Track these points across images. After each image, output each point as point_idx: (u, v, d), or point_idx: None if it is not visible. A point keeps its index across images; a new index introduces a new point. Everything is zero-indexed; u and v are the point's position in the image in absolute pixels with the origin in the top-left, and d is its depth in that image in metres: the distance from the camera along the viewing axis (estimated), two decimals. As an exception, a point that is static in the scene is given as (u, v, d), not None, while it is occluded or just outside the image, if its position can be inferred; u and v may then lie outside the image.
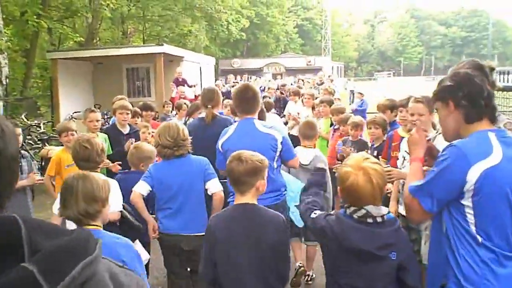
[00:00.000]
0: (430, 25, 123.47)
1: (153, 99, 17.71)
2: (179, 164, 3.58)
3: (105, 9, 19.65)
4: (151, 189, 4.35)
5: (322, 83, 19.74)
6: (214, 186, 4.35)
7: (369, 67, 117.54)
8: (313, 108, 9.76)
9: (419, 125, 3.55)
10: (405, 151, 4.66)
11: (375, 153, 6.06)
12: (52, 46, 20.38)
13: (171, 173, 3.54)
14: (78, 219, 2.90)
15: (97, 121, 6.47)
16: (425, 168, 3.03)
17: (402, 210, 4.68)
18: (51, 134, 13.05)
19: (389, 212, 2.86)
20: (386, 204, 4.61)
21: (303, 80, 20.40)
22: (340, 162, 7.39)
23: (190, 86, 17.14)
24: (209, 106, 5.55)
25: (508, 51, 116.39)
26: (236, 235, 3.10)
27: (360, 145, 6.92)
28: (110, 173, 6.25)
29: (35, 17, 16.13)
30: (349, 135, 7.23)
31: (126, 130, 6.76)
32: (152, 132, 8.28)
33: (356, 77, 51.63)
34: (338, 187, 2.92)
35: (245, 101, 4.73)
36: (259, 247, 3.08)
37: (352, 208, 2.81)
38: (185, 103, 9.83)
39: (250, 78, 27.04)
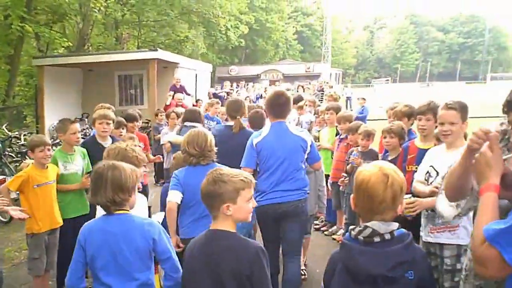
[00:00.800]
0: (429, 31, 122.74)
1: (146, 107, 16.97)
2: (205, 171, 3.14)
3: (96, 13, 18.89)
4: (182, 195, 4.40)
5: (322, 89, 19.07)
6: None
7: (367, 74, 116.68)
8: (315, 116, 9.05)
9: (492, 138, 2.31)
10: (431, 166, 4.08)
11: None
12: (40, 52, 19.57)
13: (198, 179, 3.12)
14: (106, 206, 3.05)
15: (78, 132, 5.66)
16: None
17: (425, 235, 4.12)
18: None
19: (399, 228, 2.48)
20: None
21: (303, 87, 19.50)
22: (347, 175, 6.67)
23: (189, 94, 16.41)
24: (238, 116, 5.84)
25: (502, 57, 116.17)
26: (202, 261, 2.87)
27: (371, 157, 6.19)
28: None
29: (19, 21, 15.26)
30: (357, 145, 6.65)
31: (107, 143, 5.92)
32: (139, 145, 7.59)
33: (353, 83, 51.02)
34: (351, 196, 2.58)
35: (278, 106, 5.02)
36: (222, 273, 2.77)
37: (357, 229, 2.46)
38: (173, 111, 9.03)
39: (247, 85, 26.29)
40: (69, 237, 5.35)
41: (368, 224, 2.44)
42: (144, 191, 7.66)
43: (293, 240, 4.90)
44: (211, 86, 25.58)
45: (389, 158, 5.39)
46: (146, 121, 16.29)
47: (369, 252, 2.40)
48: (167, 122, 10.15)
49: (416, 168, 4.53)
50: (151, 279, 3.16)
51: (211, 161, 4.44)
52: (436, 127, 4.68)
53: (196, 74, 22.35)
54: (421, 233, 4.16)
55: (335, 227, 7.71)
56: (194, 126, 6.73)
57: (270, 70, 52.15)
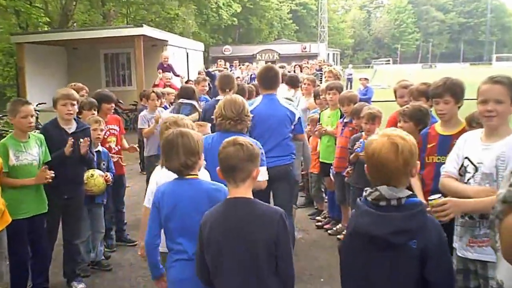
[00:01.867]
0: (428, 11, 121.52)
1: (134, 88, 16.07)
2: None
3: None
4: None
5: (321, 69, 18.12)
6: (263, 175, 4.00)
7: (365, 54, 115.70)
8: (315, 97, 8.04)
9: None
10: (467, 158, 3.29)
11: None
12: (21, 29, 18.64)
13: None
14: (179, 171, 3.26)
15: (32, 116, 4.82)
16: None
17: (461, 249, 3.34)
18: (10, 130, 11.38)
19: (411, 196, 2.47)
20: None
21: (300, 66, 18.45)
22: (353, 166, 5.88)
23: (177, 75, 15.51)
24: (227, 90, 6.06)
25: (507, 38, 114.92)
26: (230, 233, 2.85)
27: None
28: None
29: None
30: (362, 131, 5.89)
31: (71, 127, 5.13)
32: (111, 129, 6.78)
33: (352, 64, 50.19)
34: (365, 165, 2.62)
35: (268, 79, 5.53)
36: (253, 246, 2.80)
37: (369, 191, 2.54)
38: (153, 92, 8.14)
39: (243, 65, 25.39)
40: (21, 242, 4.72)
41: (378, 187, 2.48)
42: (120, 181, 6.95)
43: (285, 200, 5.24)
44: (206, 67, 24.61)
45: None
46: (134, 103, 15.46)
47: (374, 214, 2.46)
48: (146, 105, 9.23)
49: (438, 159, 3.86)
50: None
51: (246, 128, 4.41)
52: (459, 107, 3.95)
53: (187, 53, 21.47)
54: (455, 244, 3.38)
55: (340, 225, 6.85)
56: (190, 104, 7.09)
57: (265, 50, 51.46)
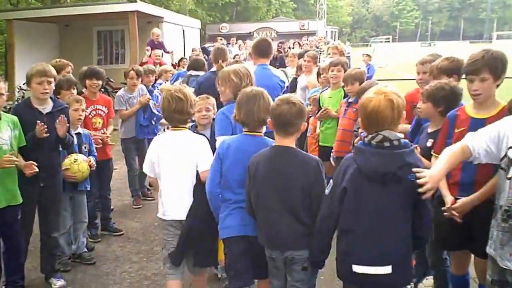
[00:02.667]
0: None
1: (127, 66, 15.42)
2: None
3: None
4: None
5: (318, 47, 17.52)
6: None
7: (363, 32, 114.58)
8: (318, 75, 7.44)
9: None
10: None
11: (429, 143, 3.91)
12: (11, 5, 17.95)
13: None
14: (254, 126, 3.58)
15: (1, 95, 4.27)
16: None
17: (504, 259, 2.89)
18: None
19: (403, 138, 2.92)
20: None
21: (299, 43, 17.72)
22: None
23: (168, 52, 14.91)
24: (220, 61, 6.26)
25: (508, 15, 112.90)
26: (270, 172, 3.32)
27: None
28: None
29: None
30: None
31: (46, 108, 4.60)
32: (98, 109, 6.27)
33: (350, 43, 49.47)
34: (360, 118, 3.06)
35: (263, 48, 5.88)
36: (288, 187, 3.28)
37: (370, 136, 2.90)
38: (133, 69, 7.52)
39: (237, 42, 24.71)
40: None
41: (380, 132, 2.85)
42: (107, 165, 6.43)
43: None
44: (202, 44, 23.88)
45: (429, 131, 3.99)
46: (125, 82, 14.85)
47: (381, 153, 2.85)
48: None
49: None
50: None
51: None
52: (498, 86, 3.37)
53: (183, 30, 20.77)
54: (491, 251, 2.97)
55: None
56: (199, 75, 7.10)
57: (263, 28, 50.51)
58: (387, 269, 2.88)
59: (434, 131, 3.88)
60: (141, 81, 7.82)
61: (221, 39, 20.39)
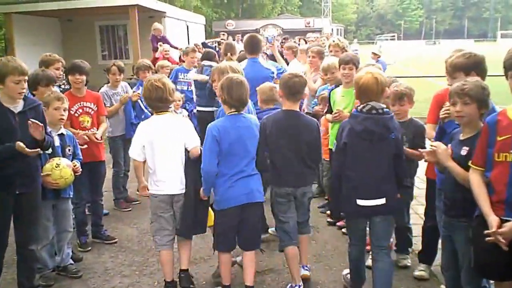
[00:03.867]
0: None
1: (131, 61, 14.77)
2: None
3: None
4: None
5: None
6: None
7: (368, 30, 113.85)
8: (324, 73, 6.75)
9: None
10: None
11: (463, 151, 3.30)
12: (12, -1, 17.32)
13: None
14: (238, 106, 4.16)
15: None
16: None
17: None
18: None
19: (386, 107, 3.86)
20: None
21: (305, 40, 16.99)
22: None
23: (175, 47, 14.28)
24: (228, 54, 7.20)
25: (511, 14, 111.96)
26: (284, 130, 4.27)
27: (413, 131, 4.47)
28: None
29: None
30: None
31: (18, 106, 3.98)
32: (85, 107, 5.67)
33: (357, 40, 48.91)
34: (355, 90, 3.97)
35: (252, 45, 6.74)
36: (298, 141, 4.28)
37: (361, 106, 3.81)
38: (114, 65, 6.86)
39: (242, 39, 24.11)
40: None
41: (369, 103, 3.77)
42: (99, 168, 5.84)
43: None
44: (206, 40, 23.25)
45: (461, 138, 3.38)
46: (130, 77, 14.23)
47: (371, 118, 3.76)
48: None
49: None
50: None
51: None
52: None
53: (187, 26, 20.17)
54: None
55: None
56: (210, 65, 7.69)
57: (268, 25, 49.75)
58: (382, 201, 3.78)
59: (468, 138, 3.30)
60: (138, 77, 7.25)
61: (223, 34, 19.71)
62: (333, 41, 7.51)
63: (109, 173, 6.68)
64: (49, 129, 4.28)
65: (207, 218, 4.42)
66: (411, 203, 4.92)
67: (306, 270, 4.63)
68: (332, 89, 6.05)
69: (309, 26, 48.46)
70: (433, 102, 4.29)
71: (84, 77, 5.66)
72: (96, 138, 5.62)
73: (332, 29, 49.60)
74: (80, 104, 5.66)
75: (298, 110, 4.48)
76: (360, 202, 3.80)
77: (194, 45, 16.43)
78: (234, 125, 4.09)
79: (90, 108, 5.74)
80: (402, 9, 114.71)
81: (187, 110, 8.50)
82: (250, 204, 4.12)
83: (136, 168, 4.49)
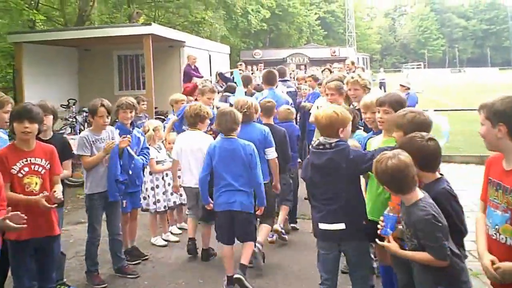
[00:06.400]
0: (450, 18, 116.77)
1: (144, 93, 13.07)
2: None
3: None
4: None
5: (353, 71, 14.69)
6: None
7: (393, 59, 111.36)
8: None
9: None
10: None
11: None
12: (30, 28, 15.94)
13: None
14: (227, 132, 4.95)
15: None
16: None
17: None
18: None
19: (339, 141, 3.77)
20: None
21: (329, 69, 14.94)
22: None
23: (201, 76, 12.81)
24: (249, 86, 9.07)
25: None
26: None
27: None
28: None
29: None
30: None
31: None
32: (33, 164, 3.84)
33: (383, 68, 47.45)
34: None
35: (270, 78, 8.05)
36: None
37: (314, 140, 4.07)
38: (102, 104, 5.07)
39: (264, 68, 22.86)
40: None
41: (319, 138, 3.88)
42: (50, 246, 3.99)
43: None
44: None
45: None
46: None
47: (315, 152, 3.85)
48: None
49: None
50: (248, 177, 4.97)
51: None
52: None
53: (209, 55, 18.48)
54: None
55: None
56: (229, 95, 9.14)
57: (295, 54, 48.35)
58: (341, 226, 3.73)
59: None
60: (117, 117, 5.50)
61: (241, 65, 19.38)
62: (352, 78, 5.61)
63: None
64: None
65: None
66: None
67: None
68: (370, 137, 4.27)
69: (335, 55, 46.58)
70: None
71: (35, 126, 3.91)
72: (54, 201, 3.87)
73: (358, 58, 47.70)
74: (26, 161, 3.87)
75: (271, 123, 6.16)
76: (322, 226, 3.83)
77: (216, 74, 14.81)
78: (223, 145, 4.95)
79: (40, 166, 3.95)
80: (424, 39, 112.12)
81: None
82: (234, 211, 4.92)
83: (173, 165, 6.15)
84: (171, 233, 6.89)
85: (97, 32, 12.75)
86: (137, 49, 14.67)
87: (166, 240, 6.63)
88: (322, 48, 53.74)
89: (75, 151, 5.08)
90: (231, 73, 15.26)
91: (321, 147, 3.76)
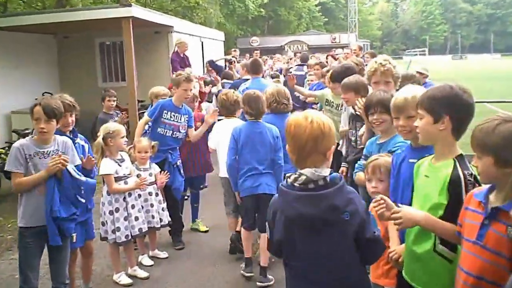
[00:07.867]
0: (455, 3, 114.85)
1: (126, 85, 11.73)
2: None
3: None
4: None
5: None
6: None
7: (394, 45, 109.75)
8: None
9: None
10: None
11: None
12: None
13: None
14: (256, 115, 4.98)
15: None
16: None
17: None
18: None
19: (331, 173, 2.33)
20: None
21: (333, 56, 13.62)
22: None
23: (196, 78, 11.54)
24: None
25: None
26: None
27: None
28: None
29: None
30: None
31: None
32: None
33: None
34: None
35: (255, 67, 7.88)
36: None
37: (293, 177, 2.33)
38: (40, 104, 3.70)
39: (271, 57, 21.90)
40: None
41: (302, 171, 2.31)
42: None
43: None
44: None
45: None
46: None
47: (305, 196, 2.29)
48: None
49: None
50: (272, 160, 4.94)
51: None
52: None
53: (202, 42, 17.16)
54: None
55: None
56: (229, 82, 9.74)
57: (294, 41, 47.09)
58: None
59: None
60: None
61: (234, 51, 18.23)
62: (382, 65, 4.10)
63: None
64: None
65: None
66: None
67: None
68: (416, 156, 2.96)
69: (335, 42, 45.29)
70: None
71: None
72: None
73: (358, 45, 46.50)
74: None
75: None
76: None
77: (207, 63, 13.42)
78: (249, 129, 4.96)
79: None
80: (426, 24, 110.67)
81: (168, 162, 5.76)
82: (261, 195, 4.87)
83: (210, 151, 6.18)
84: (141, 264, 5.49)
85: (71, 16, 11.39)
86: (121, 36, 13.41)
87: (132, 277, 5.19)
88: (322, 34, 52.55)
89: (6, 165, 3.78)
90: (225, 61, 14.04)
91: (311, 185, 2.29)
